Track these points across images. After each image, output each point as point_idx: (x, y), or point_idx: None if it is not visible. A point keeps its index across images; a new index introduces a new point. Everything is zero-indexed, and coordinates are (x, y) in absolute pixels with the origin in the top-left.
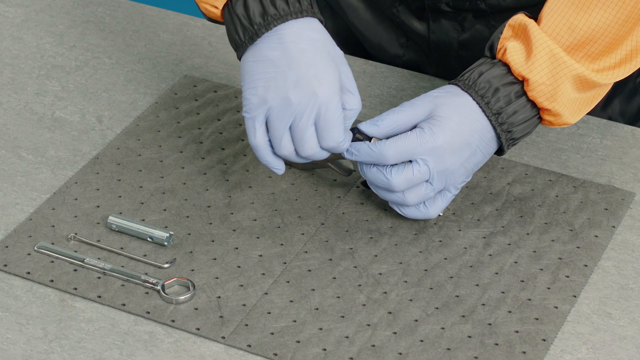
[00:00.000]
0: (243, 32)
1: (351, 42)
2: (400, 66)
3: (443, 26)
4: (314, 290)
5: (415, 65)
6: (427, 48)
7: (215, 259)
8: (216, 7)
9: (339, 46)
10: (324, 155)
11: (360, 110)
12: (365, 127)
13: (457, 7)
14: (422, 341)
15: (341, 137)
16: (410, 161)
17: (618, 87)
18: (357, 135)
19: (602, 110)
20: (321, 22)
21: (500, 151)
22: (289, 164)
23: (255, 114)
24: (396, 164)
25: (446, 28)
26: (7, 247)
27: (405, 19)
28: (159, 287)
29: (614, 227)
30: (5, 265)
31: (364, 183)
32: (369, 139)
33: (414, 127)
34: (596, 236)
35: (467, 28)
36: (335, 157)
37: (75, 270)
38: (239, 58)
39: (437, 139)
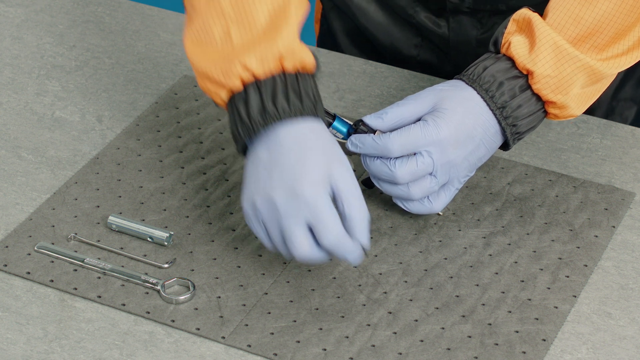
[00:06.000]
0: (241, 127)
1: (361, 42)
2: (414, 66)
3: (462, 25)
4: (314, 290)
5: (429, 65)
6: (445, 47)
7: (215, 259)
8: (221, 98)
9: (348, 46)
10: (324, 256)
11: (369, 217)
12: (370, 120)
13: (478, 8)
14: (422, 341)
15: (337, 229)
16: (415, 154)
17: (629, 72)
18: (362, 127)
19: (613, 96)
20: (323, 121)
21: (506, 146)
22: None
23: (252, 222)
24: (400, 157)
25: (465, 26)
26: (7, 247)
27: (422, 20)
28: (159, 287)
29: (614, 227)
30: (5, 265)
31: (364, 182)
32: (373, 132)
33: (418, 120)
34: (596, 236)
35: (485, 25)
36: None
37: (75, 270)
38: (238, 151)
39: (441, 131)
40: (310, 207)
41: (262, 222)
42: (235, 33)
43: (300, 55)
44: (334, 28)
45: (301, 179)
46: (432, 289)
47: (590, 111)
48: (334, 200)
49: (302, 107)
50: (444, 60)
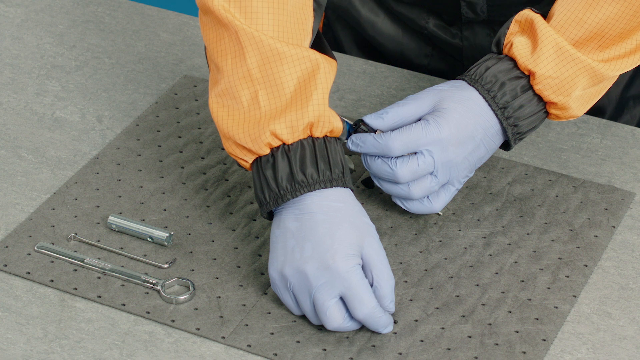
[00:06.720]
0: (269, 194)
1: (369, 50)
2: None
3: (476, 34)
4: None
5: (439, 74)
6: (458, 56)
7: (215, 259)
8: (245, 161)
9: (355, 52)
10: (355, 326)
11: (394, 284)
12: (370, 119)
13: (492, 19)
14: (422, 341)
15: (372, 303)
16: (415, 153)
17: (639, 69)
18: (362, 127)
19: (623, 93)
20: (352, 190)
21: (507, 146)
22: None
23: (280, 290)
24: (401, 156)
25: (479, 35)
26: (7, 247)
27: (434, 30)
28: (159, 287)
29: (614, 227)
30: (5, 265)
31: (364, 182)
32: (373, 131)
33: (419, 119)
34: (596, 236)
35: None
36: None
37: (75, 270)
38: (262, 215)
39: (442, 130)
40: (344, 280)
41: (292, 291)
42: (263, 98)
43: (329, 122)
44: (339, 38)
45: (333, 252)
46: (432, 289)
47: (599, 108)
48: (363, 268)
49: (331, 176)
50: (455, 68)
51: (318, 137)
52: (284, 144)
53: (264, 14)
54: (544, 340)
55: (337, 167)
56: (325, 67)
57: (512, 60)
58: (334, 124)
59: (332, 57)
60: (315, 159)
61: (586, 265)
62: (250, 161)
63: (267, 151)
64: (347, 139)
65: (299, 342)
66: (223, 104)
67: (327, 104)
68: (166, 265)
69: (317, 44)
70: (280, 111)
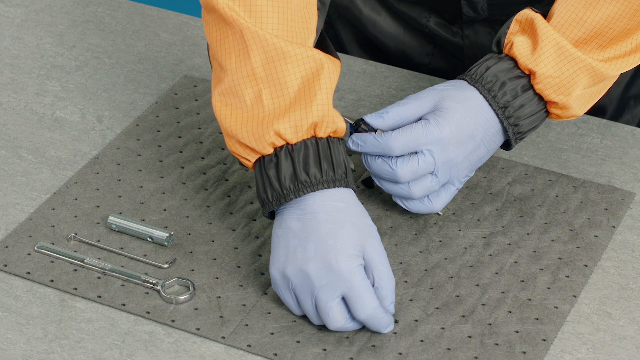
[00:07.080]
0: (271, 193)
1: (370, 48)
2: (426, 74)
3: (477, 33)
4: None
5: (440, 73)
6: (459, 55)
7: (215, 259)
8: (248, 160)
9: (357, 51)
10: (357, 326)
11: (394, 285)
12: (371, 119)
13: (493, 17)
14: (422, 341)
15: (374, 304)
16: (416, 152)
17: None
18: (362, 126)
19: (624, 93)
20: (354, 191)
21: (507, 145)
22: None
23: (282, 291)
24: (401, 155)
25: (480, 34)
26: (7, 247)
27: (435, 29)
28: (159, 287)
29: (614, 227)
30: (5, 265)
31: (365, 182)
32: (374, 131)
33: (419, 119)
34: (596, 236)
35: None
36: None
37: (75, 270)
38: (264, 215)
39: (442, 130)
40: (346, 281)
41: (293, 291)
42: (267, 97)
43: (333, 122)
44: (341, 36)
45: (336, 253)
46: (432, 289)
47: (600, 108)
48: (365, 269)
49: (334, 176)
50: (456, 67)
51: (321, 137)
52: (287, 143)
53: (268, 12)
54: (544, 340)
55: (340, 168)
56: (330, 67)
57: (513, 59)
58: (337, 124)
59: (336, 56)
60: (318, 159)
61: (586, 265)
62: (253, 160)
63: (270, 150)
64: (347, 138)
65: (299, 342)
66: (226, 102)
67: (331, 104)
68: (166, 265)
69: (321, 44)
70: (284, 111)
